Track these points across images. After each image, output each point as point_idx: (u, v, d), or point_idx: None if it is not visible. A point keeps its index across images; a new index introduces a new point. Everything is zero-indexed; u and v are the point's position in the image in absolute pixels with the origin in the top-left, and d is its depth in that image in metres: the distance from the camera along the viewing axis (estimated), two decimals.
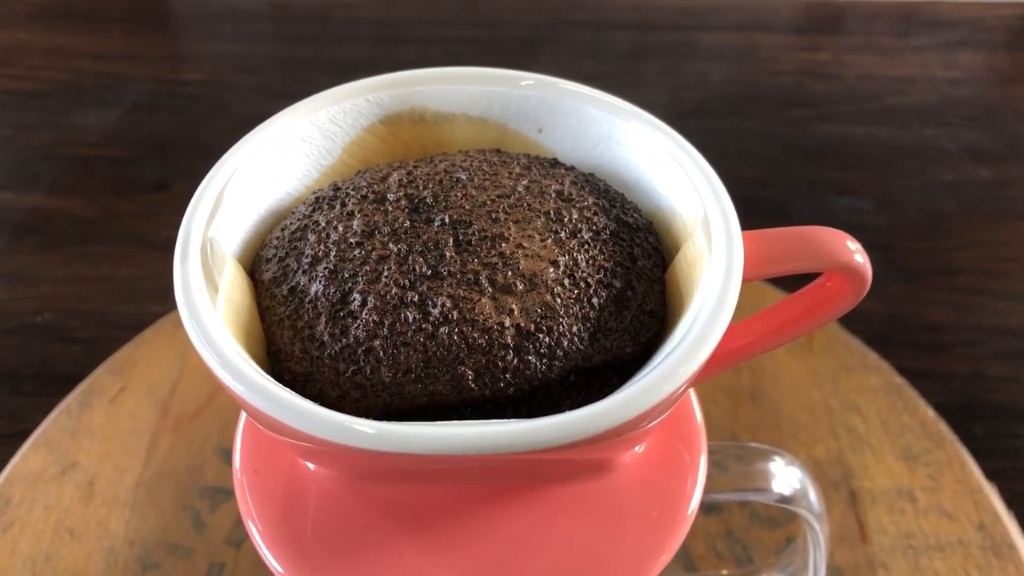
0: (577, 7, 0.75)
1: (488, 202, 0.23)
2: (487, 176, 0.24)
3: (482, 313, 0.20)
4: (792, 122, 0.64)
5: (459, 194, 0.23)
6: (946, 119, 0.64)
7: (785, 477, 0.29)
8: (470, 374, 0.20)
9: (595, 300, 0.21)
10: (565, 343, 0.21)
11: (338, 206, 0.24)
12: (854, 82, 0.68)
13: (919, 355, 0.47)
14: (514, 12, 0.75)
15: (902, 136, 0.62)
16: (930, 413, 0.42)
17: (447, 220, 0.22)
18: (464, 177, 0.24)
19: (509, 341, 0.20)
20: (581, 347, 0.21)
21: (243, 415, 0.28)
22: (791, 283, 0.25)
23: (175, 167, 0.59)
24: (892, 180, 0.59)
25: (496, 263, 0.21)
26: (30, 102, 0.65)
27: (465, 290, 0.21)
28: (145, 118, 0.64)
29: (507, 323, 0.20)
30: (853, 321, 0.46)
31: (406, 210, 0.23)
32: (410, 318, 0.20)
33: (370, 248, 0.22)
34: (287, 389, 0.19)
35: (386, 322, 0.20)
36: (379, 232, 0.22)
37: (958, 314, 0.50)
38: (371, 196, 0.23)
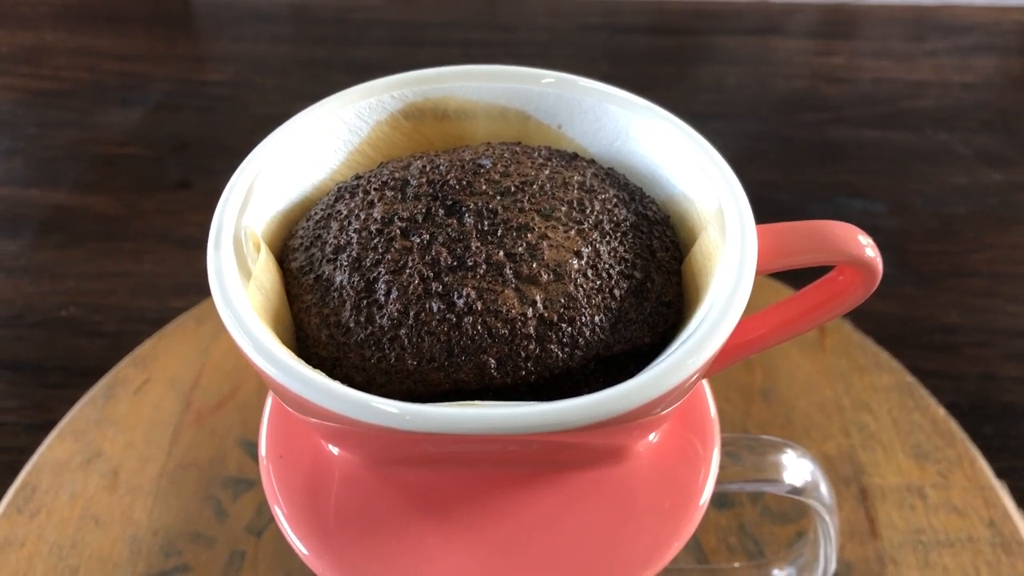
0: (594, 10, 0.76)
1: (512, 188, 0.23)
2: (510, 163, 0.24)
3: (506, 304, 0.21)
4: (806, 125, 0.64)
5: (483, 180, 0.24)
6: (960, 123, 0.64)
7: (797, 469, 0.30)
8: (492, 363, 0.21)
9: (616, 291, 0.22)
10: (587, 333, 0.21)
11: (359, 195, 0.24)
12: (868, 86, 0.68)
13: (931, 355, 0.48)
14: (531, 15, 0.76)
15: (915, 140, 0.63)
16: (941, 412, 0.43)
17: (471, 207, 0.23)
18: (488, 164, 0.24)
19: (532, 331, 0.21)
20: (602, 337, 0.22)
21: (268, 404, 0.29)
22: (804, 280, 0.26)
23: (197, 166, 0.60)
24: (905, 183, 0.59)
25: (522, 253, 0.22)
26: (55, 101, 0.66)
27: (489, 281, 0.21)
28: (168, 118, 0.65)
29: (530, 313, 0.21)
30: (866, 321, 0.47)
31: (426, 196, 0.23)
32: (435, 308, 0.21)
33: (389, 235, 0.22)
34: (316, 371, 0.20)
35: (411, 312, 0.21)
36: (398, 218, 0.23)
37: (970, 316, 0.50)
38: (391, 183, 0.24)
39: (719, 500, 0.39)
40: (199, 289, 0.51)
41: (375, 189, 0.24)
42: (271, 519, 0.38)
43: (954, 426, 0.42)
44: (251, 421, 0.42)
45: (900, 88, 0.68)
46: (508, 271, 0.21)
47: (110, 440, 0.41)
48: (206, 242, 0.23)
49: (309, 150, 0.26)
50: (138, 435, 0.42)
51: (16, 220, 0.56)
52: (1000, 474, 0.40)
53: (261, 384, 0.43)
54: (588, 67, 0.70)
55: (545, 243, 0.22)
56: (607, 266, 0.22)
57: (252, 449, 0.41)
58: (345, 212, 0.24)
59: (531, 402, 0.19)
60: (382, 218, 0.23)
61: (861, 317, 0.47)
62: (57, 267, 0.53)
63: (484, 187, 0.23)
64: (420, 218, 0.23)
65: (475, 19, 0.75)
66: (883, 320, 0.49)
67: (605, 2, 0.77)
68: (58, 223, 0.56)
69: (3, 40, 0.73)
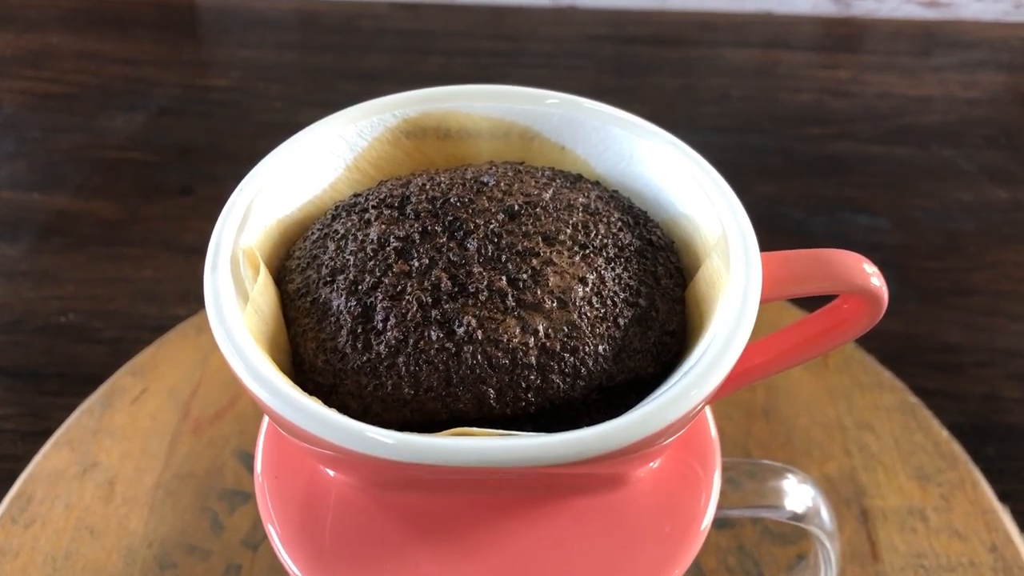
0: (599, 21, 0.76)
1: (516, 207, 0.23)
2: (513, 182, 0.24)
3: (507, 333, 0.20)
4: (811, 139, 0.64)
5: (485, 198, 0.23)
6: (965, 139, 0.64)
7: (798, 495, 0.29)
8: (492, 393, 0.20)
9: (620, 320, 0.22)
10: (590, 363, 0.21)
11: (356, 215, 0.24)
12: (873, 100, 0.68)
13: (933, 375, 0.47)
14: (537, 25, 0.75)
15: (920, 155, 0.62)
16: (943, 433, 0.42)
17: (471, 227, 0.22)
18: (491, 182, 0.24)
19: (533, 361, 0.20)
20: (605, 367, 0.21)
21: (265, 421, 0.28)
22: (808, 301, 0.26)
23: (200, 172, 0.60)
24: (909, 199, 0.59)
25: (525, 280, 0.21)
26: (59, 105, 0.66)
27: (491, 309, 0.21)
28: (171, 123, 0.65)
29: (532, 343, 0.20)
30: (868, 339, 0.46)
31: (425, 214, 0.23)
32: (433, 337, 0.20)
33: (386, 257, 0.22)
34: (311, 398, 0.20)
35: (410, 340, 0.21)
36: (395, 238, 0.22)
37: (973, 335, 0.50)
38: (389, 201, 0.24)
39: (719, 521, 0.39)
40: (200, 297, 0.50)
41: (372, 207, 0.24)
42: None
43: (956, 448, 0.42)
44: (249, 432, 0.42)
45: (905, 103, 0.67)
46: (510, 299, 0.21)
47: (106, 450, 0.41)
48: (208, 249, 0.22)
49: (310, 169, 0.25)
50: (135, 445, 0.41)
51: (17, 224, 0.56)
52: (1002, 497, 0.40)
53: None
54: (593, 78, 0.69)
55: (549, 269, 0.22)
56: (611, 293, 0.22)
57: (250, 461, 0.41)
58: (342, 231, 0.23)
59: (529, 433, 0.19)
60: (379, 239, 0.22)
61: (863, 334, 0.47)
62: (58, 272, 0.53)
63: (486, 204, 0.23)
64: (417, 237, 0.22)
65: (481, 29, 0.75)
66: (885, 338, 0.49)
67: (610, 13, 0.77)
68: (59, 227, 0.56)
69: (8, 42, 0.73)
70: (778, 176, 0.61)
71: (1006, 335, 0.50)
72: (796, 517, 0.29)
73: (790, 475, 0.30)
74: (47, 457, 0.41)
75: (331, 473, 0.25)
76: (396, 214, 0.23)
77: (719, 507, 0.27)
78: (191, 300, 0.51)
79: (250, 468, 0.41)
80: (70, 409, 0.43)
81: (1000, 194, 0.59)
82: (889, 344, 0.48)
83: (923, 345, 0.49)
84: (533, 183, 0.24)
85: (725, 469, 0.28)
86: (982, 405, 0.46)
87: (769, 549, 0.38)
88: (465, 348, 0.20)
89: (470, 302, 0.21)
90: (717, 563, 0.38)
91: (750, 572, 0.38)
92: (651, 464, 0.26)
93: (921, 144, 0.63)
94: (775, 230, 0.55)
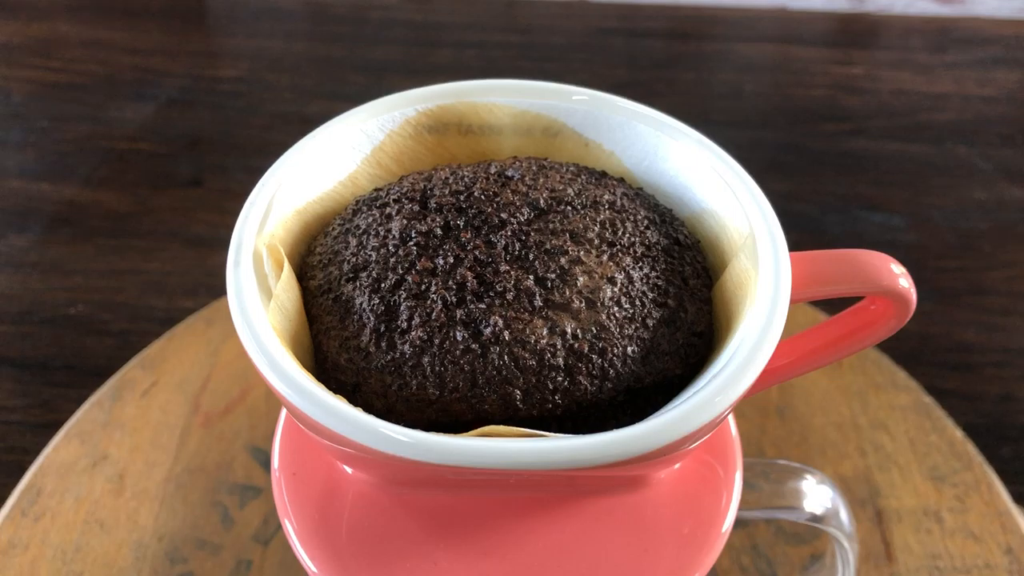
0: (611, 15, 0.76)
1: (541, 203, 0.22)
2: (538, 176, 0.23)
3: (534, 334, 0.20)
4: (824, 136, 0.63)
5: (509, 191, 0.23)
6: (980, 137, 0.63)
7: (816, 496, 0.29)
8: (518, 395, 0.20)
9: (649, 321, 0.21)
10: (618, 364, 0.21)
11: (377, 209, 0.23)
12: (888, 97, 0.67)
13: (948, 375, 0.47)
14: (549, 18, 0.75)
15: (935, 153, 0.62)
16: (958, 433, 0.42)
17: (496, 222, 0.22)
18: (515, 176, 0.23)
19: (560, 363, 0.20)
20: (633, 369, 0.21)
21: (282, 417, 0.28)
22: (830, 303, 0.26)
23: (209, 163, 0.60)
24: (924, 197, 0.58)
25: (553, 279, 0.21)
26: (67, 94, 0.66)
27: (518, 309, 0.20)
28: (180, 113, 0.64)
29: (559, 344, 0.20)
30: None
31: (449, 208, 0.22)
32: (459, 337, 0.20)
33: (405, 254, 0.22)
34: (336, 396, 0.19)
35: (435, 340, 0.20)
36: (416, 232, 0.22)
37: (988, 334, 0.49)
38: (411, 196, 0.23)
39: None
40: (208, 289, 0.50)
41: (394, 201, 0.23)
42: (278, 528, 0.38)
43: (971, 448, 0.41)
44: (260, 426, 0.42)
45: (920, 100, 0.67)
46: (538, 299, 0.21)
47: (116, 443, 0.41)
48: (216, 241, 0.22)
49: (331, 164, 0.25)
50: (145, 438, 0.41)
51: (26, 214, 0.56)
52: (1018, 499, 0.40)
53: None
54: (604, 71, 0.69)
55: (578, 268, 0.21)
56: (640, 293, 0.21)
57: (260, 455, 0.41)
58: (363, 227, 0.23)
59: (555, 435, 0.19)
60: (400, 234, 0.22)
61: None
62: (66, 263, 0.52)
63: (511, 198, 0.22)
64: (440, 232, 0.22)
65: (492, 21, 0.74)
66: (900, 337, 0.48)
67: (622, 6, 0.76)
68: (68, 218, 0.55)
69: (17, 31, 0.72)
70: (791, 173, 0.60)
71: (1021, 335, 0.49)
72: (815, 519, 0.29)
73: (808, 476, 0.29)
74: (56, 450, 0.41)
75: (349, 470, 0.25)
76: (418, 208, 0.23)
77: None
78: (200, 292, 0.50)
79: (260, 462, 0.41)
80: (78, 401, 0.43)
81: (1016, 193, 0.59)
82: (904, 343, 0.48)
83: (938, 345, 0.49)
84: (558, 178, 0.24)
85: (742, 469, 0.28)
86: (997, 405, 0.46)
87: (783, 549, 0.38)
88: (491, 349, 0.20)
89: (497, 302, 0.20)
90: (731, 562, 0.38)
91: (764, 572, 0.37)
92: (674, 466, 0.25)
93: (936, 142, 0.63)
94: (789, 228, 0.54)
